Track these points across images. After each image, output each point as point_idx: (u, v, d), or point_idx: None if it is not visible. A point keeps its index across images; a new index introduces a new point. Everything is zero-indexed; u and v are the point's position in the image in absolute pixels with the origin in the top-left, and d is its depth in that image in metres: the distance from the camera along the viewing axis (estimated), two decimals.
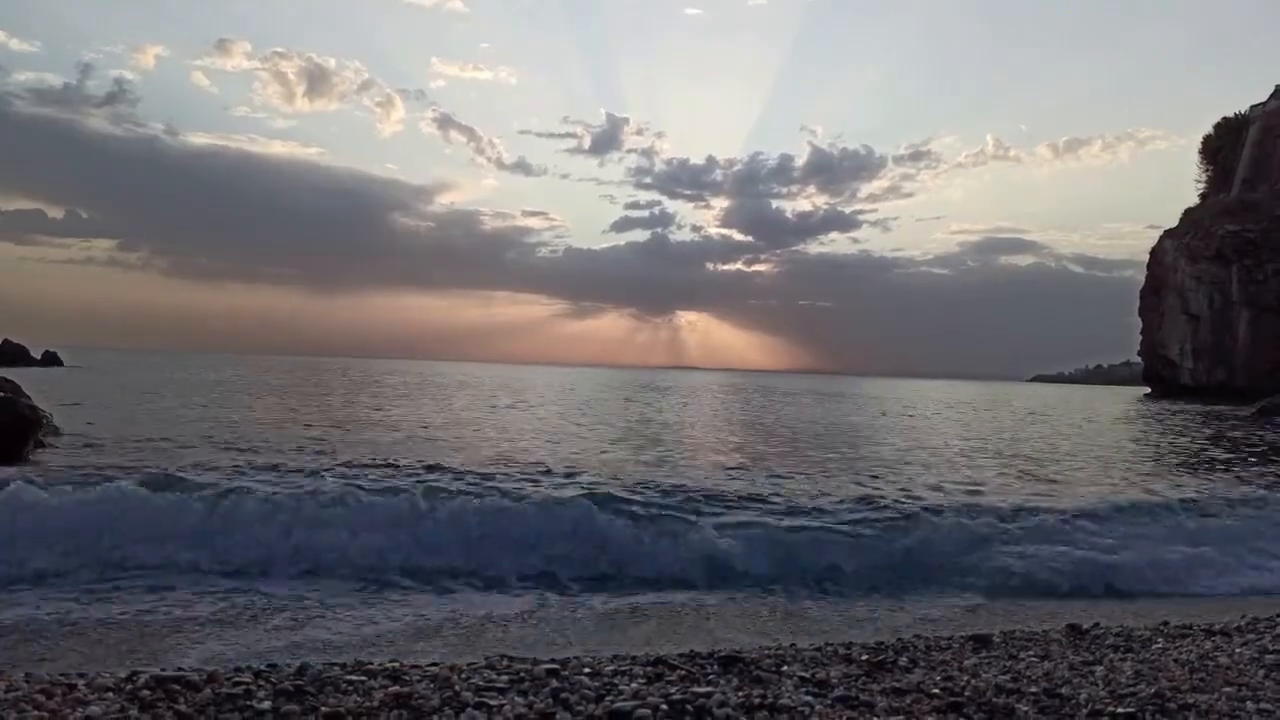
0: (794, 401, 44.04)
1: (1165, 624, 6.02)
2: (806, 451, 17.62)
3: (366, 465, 12.16)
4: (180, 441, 15.61)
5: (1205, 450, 21.08)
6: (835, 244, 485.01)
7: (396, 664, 4.20)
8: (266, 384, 42.36)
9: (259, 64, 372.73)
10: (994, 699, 3.87)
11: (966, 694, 3.94)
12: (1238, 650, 5.05)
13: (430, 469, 11.83)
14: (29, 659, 5.06)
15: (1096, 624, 5.86)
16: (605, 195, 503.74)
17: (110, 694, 3.53)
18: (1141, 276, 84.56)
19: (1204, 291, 73.50)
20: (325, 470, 11.30)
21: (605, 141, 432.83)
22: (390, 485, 9.95)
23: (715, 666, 4.31)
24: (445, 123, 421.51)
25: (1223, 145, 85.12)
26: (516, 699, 3.63)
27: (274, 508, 8.25)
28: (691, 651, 4.63)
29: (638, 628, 6.33)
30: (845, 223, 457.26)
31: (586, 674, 4.06)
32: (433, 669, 4.09)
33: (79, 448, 13.89)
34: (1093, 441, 23.34)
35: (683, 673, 4.16)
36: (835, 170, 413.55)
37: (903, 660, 4.64)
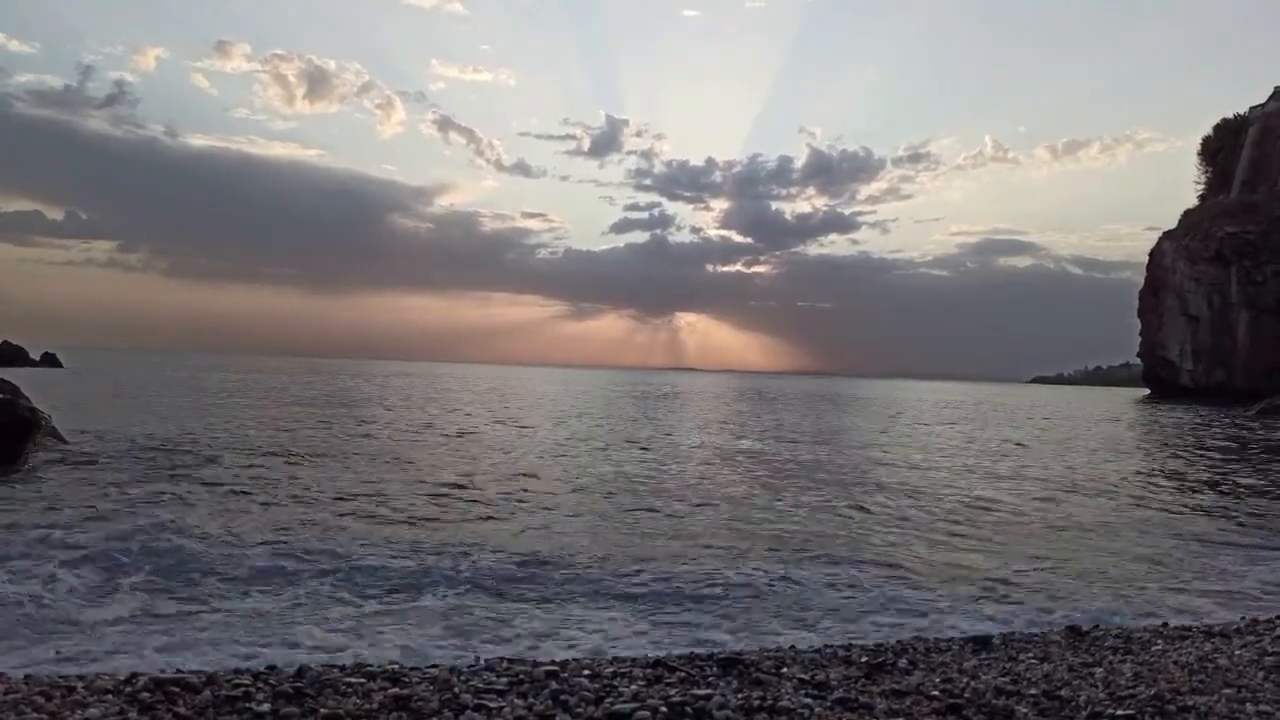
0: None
1: (1165, 625, 6.02)
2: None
3: None
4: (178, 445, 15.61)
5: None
6: (834, 245, 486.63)
7: (396, 666, 4.20)
8: (288, 391, 42.24)
9: (259, 66, 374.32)
10: (993, 701, 3.87)
11: (966, 696, 3.94)
12: (1237, 652, 5.04)
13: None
14: None
15: (1096, 625, 5.86)
16: (605, 197, 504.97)
17: (109, 696, 3.53)
18: (1140, 278, 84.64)
19: (1203, 293, 73.52)
20: None
21: (605, 143, 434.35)
22: None
23: (715, 668, 4.30)
24: (445, 124, 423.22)
25: (1222, 147, 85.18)
26: (516, 701, 3.63)
27: None
28: (691, 653, 4.62)
29: None
30: (844, 224, 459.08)
31: (586, 676, 4.05)
32: (432, 671, 4.08)
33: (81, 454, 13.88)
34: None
35: (682, 675, 4.16)
36: (834, 172, 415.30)
37: (902, 662, 4.63)
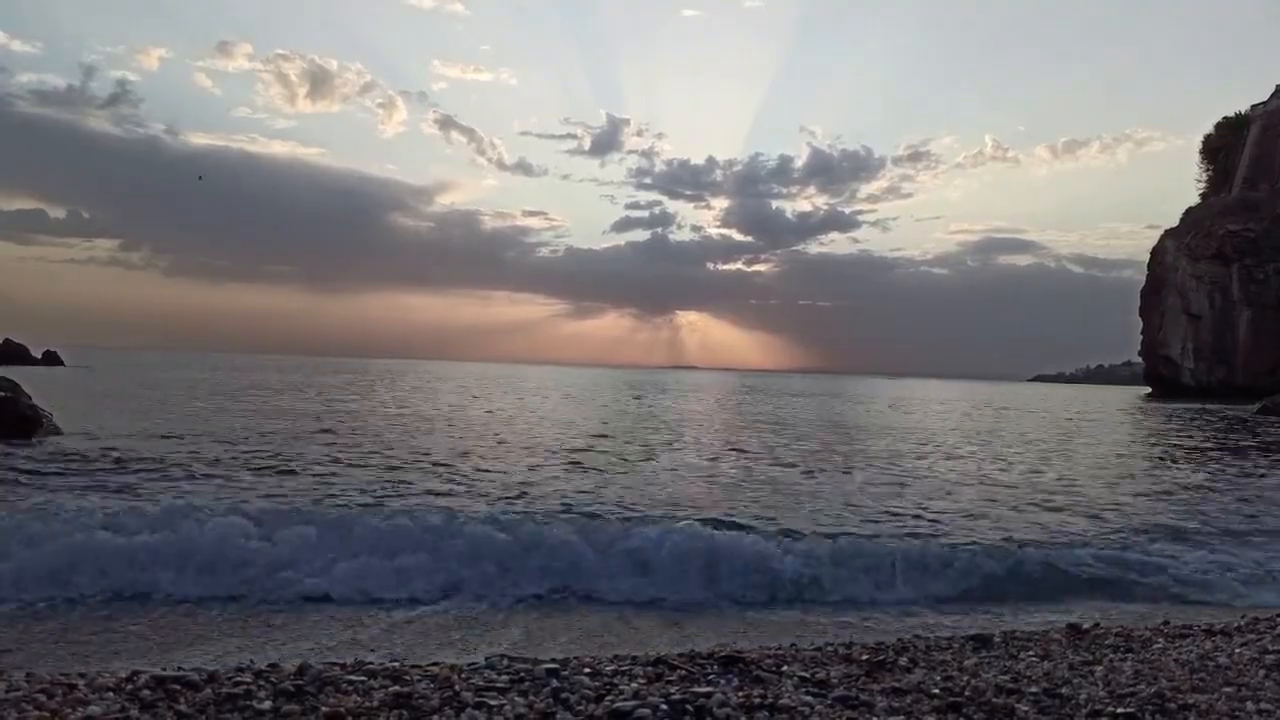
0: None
1: (1165, 624, 6.02)
2: None
3: None
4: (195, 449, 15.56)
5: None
6: (835, 244, 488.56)
7: (397, 664, 4.20)
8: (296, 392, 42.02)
9: (261, 65, 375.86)
10: (994, 699, 3.87)
11: (966, 694, 3.94)
12: (1238, 650, 5.04)
13: None
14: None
15: (1096, 624, 5.86)
16: (605, 195, 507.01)
17: (110, 694, 3.53)
18: (1140, 276, 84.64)
19: (1205, 291, 73.50)
20: None
21: (605, 142, 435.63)
22: None
23: (715, 666, 4.30)
24: (446, 124, 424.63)
25: (1223, 145, 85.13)
26: (517, 699, 3.63)
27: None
28: (692, 651, 4.62)
29: None
30: (845, 223, 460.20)
31: (587, 674, 4.05)
32: (433, 669, 4.09)
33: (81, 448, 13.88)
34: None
35: (683, 672, 4.16)
36: (835, 170, 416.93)
37: (903, 660, 4.64)
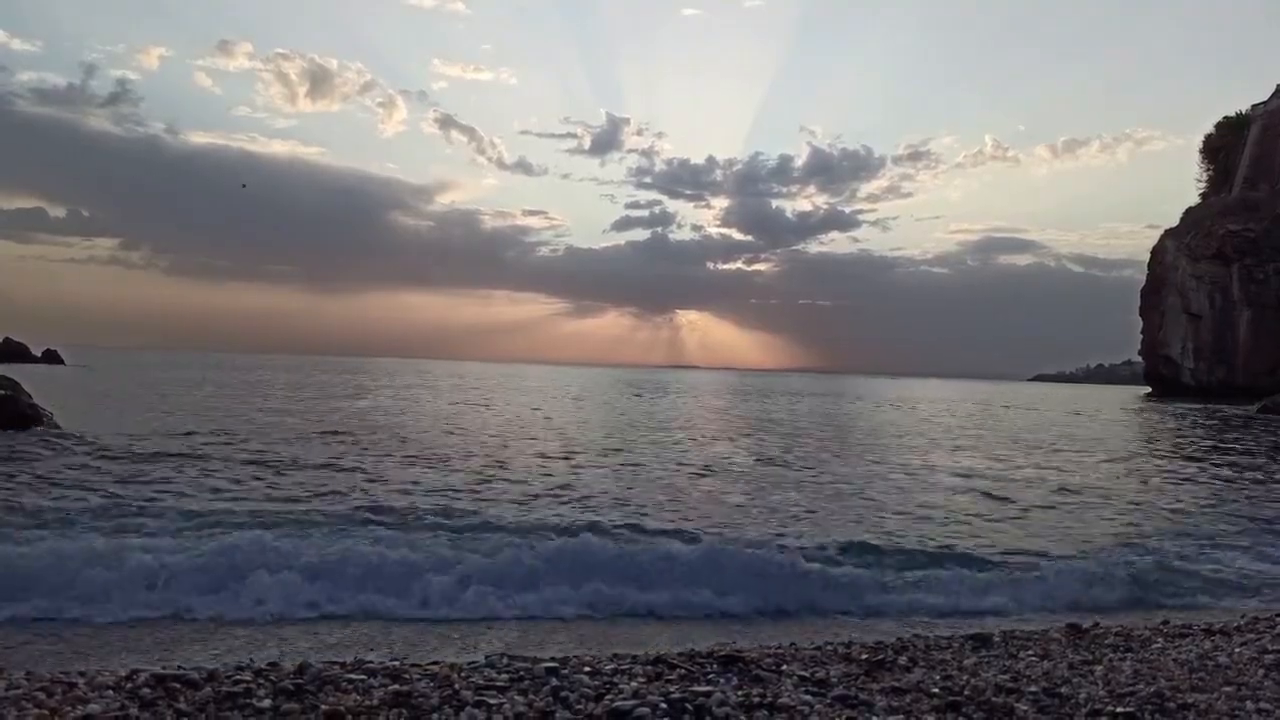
0: None
1: (1165, 623, 6.02)
2: None
3: None
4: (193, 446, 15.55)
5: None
6: (835, 243, 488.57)
7: (397, 663, 4.20)
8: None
9: (261, 64, 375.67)
10: (993, 698, 3.87)
11: (966, 693, 3.94)
12: (1237, 650, 5.04)
13: None
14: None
15: (1096, 624, 5.86)
16: (606, 195, 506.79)
17: (110, 692, 3.53)
18: (1140, 276, 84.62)
19: (1205, 291, 73.47)
20: None
21: (606, 141, 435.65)
22: None
23: (715, 665, 4.30)
24: (446, 123, 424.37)
25: (1223, 144, 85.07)
26: (516, 698, 3.63)
27: None
28: (691, 650, 4.62)
29: None
30: (845, 222, 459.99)
31: (586, 673, 4.05)
32: (433, 668, 4.09)
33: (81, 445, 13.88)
34: None
35: (682, 671, 4.16)
36: (835, 170, 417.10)
37: (902, 660, 4.63)
